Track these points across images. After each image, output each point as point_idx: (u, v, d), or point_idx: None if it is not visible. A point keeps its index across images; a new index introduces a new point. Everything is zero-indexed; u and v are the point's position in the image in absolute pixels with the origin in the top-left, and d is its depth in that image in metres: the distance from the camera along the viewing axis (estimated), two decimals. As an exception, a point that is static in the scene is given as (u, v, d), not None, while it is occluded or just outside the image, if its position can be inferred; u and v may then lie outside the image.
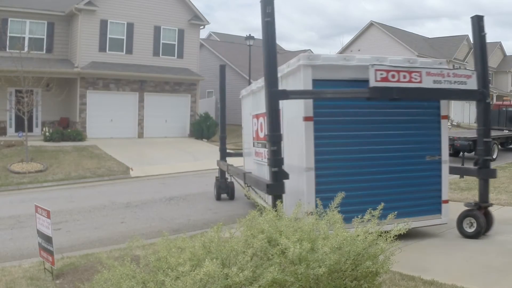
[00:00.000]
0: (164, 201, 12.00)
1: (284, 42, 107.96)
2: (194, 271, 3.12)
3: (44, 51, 22.28)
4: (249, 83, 26.75)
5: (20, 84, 16.84)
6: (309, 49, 33.83)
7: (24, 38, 21.22)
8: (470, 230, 7.02)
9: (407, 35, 45.02)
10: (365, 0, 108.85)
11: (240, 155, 12.31)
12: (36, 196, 12.74)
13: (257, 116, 9.74)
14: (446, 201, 7.32)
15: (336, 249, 3.44)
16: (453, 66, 43.57)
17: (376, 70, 6.27)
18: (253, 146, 10.20)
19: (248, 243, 3.54)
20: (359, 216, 3.94)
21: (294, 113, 7.02)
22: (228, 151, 12.68)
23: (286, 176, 6.06)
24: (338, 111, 6.83)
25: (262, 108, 8.85)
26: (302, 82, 6.65)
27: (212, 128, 24.97)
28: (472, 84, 6.84)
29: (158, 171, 17.10)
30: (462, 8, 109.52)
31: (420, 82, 6.44)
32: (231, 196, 11.91)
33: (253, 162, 10.30)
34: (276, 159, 6.05)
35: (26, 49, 18.68)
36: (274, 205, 5.50)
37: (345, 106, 6.83)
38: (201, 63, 27.98)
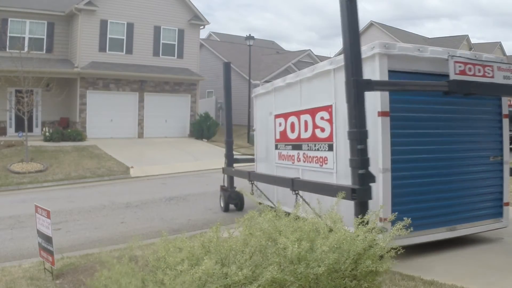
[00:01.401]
0: (164, 201, 12.00)
1: (284, 42, 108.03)
2: (193, 270, 3.12)
3: (44, 51, 22.27)
4: (249, 83, 26.77)
5: (20, 84, 16.84)
6: (309, 49, 33.83)
7: (24, 38, 21.23)
8: None
9: (407, 35, 45.02)
10: (364, 0, 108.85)
11: (250, 160, 11.22)
12: (36, 196, 12.74)
13: (284, 116, 8.87)
14: (507, 204, 6.97)
15: (336, 248, 3.44)
16: None
17: (455, 62, 5.86)
18: (276, 148, 9.30)
19: (246, 242, 3.54)
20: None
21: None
22: (235, 156, 11.37)
23: (373, 179, 5.33)
24: (413, 106, 6.30)
25: (293, 106, 8.43)
26: (378, 73, 5.94)
27: (212, 128, 24.98)
28: None
29: (158, 171, 17.10)
30: (461, 8, 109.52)
31: (492, 77, 6.08)
32: (241, 207, 10.55)
33: (274, 166, 9.35)
34: (363, 160, 5.28)
35: (26, 49, 18.69)
36: (359, 213, 5.04)
37: (419, 101, 6.34)
38: (201, 63, 27.98)
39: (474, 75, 5.93)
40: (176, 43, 25.52)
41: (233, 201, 10.56)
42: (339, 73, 6.74)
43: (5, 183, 14.48)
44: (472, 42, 46.12)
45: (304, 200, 6.68)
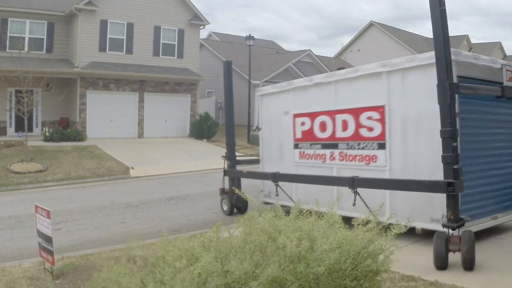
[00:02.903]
0: (164, 201, 12.00)
1: (284, 42, 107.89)
2: (191, 266, 3.12)
3: (44, 51, 22.27)
4: (249, 83, 26.77)
5: (20, 84, 16.84)
6: (309, 49, 33.80)
7: (24, 38, 21.21)
8: None
9: (407, 35, 45.00)
10: (364, 0, 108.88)
11: (253, 162, 11.16)
12: (36, 196, 12.74)
13: (310, 115, 9.14)
14: None
15: (336, 248, 3.44)
16: None
17: (507, 70, 6.70)
18: (296, 148, 9.51)
19: (246, 241, 3.54)
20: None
21: (417, 107, 7.05)
22: (237, 158, 11.14)
23: (462, 173, 5.82)
24: (476, 109, 6.99)
25: (323, 106, 8.81)
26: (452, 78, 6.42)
27: (212, 128, 24.99)
28: None
29: (158, 171, 17.10)
30: (461, 9, 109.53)
31: None
32: (245, 210, 10.10)
33: (292, 166, 9.53)
34: (457, 156, 5.75)
35: (26, 49, 18.68)
36: (451, 205, 5.66)
37: (480, 104, 7.04)
38: (201, 63, 27.99)
39: None
40: (176, 43, 25.52)
41: (240, 204, 10.20)
42: (393, 75, 7.40)
43: (5, 183, 14.48)
44: (472, 42, 46.12)
45: (362, 199, 6.82)
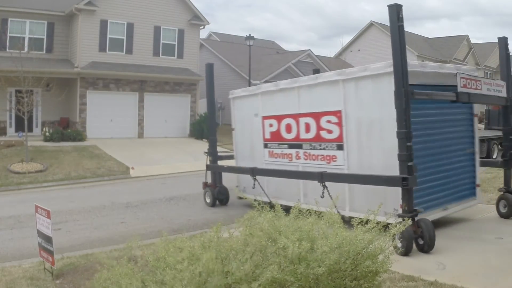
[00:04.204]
0: (164, 201, 12.00)
1: (284, 42, 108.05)
2: (192, 266, 3.12)
3: (44, 51, 22.27)
4: (249, 83, 26.74)
5: (20, 84, 16.84)
6: (309, 49, 33.78)
7: (24, 38, 21.21)
8: (504, 210, 8.35)
9: (407, 35, 44.63)
10: (364, 0, 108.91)
11: (233, 157, 11.70)
12: (36, 196, 12.75)
13: (277, 117, 9.75)
14: (478, 185, 8.66)
15: (336, 248, 3.44)
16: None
17: (461, 77, 7.30)
18: (266, 147, 10.15)
19: (247, 242, 3.54)
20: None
21: (370, 113, 7.76)
22: (218, 154, 12.04)
23: (416, 169, 6.49)
24: (417, 112, 7.39)
25: (289, 109, 9.43)
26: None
27: (212, 128, 24.95)
28: (504, 92, 8.30)
29: (158, 171, 17.10)
30: (461, 9, 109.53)
31: (481, 89, 7.64)
32: (226, 202, 11.34)
33: (263, 164, 10.10)
34: (411, 154, 6.42)
35: (26, 49, 18.68)
36: (406, 198, 6.44)
37: (428, 107, 7.65)
38: (201, 63, 27.92)
39: (467, 86, 7.39)
40: (176, 43, 25.52)
41: (221, 196, 11.24)
42: (348, 83, 8.08)
43: (5, 183, 14.48)
44: (472, 42, 46.11)
45: (328, 192, 7.61)
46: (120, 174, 16.56)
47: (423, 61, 41.35)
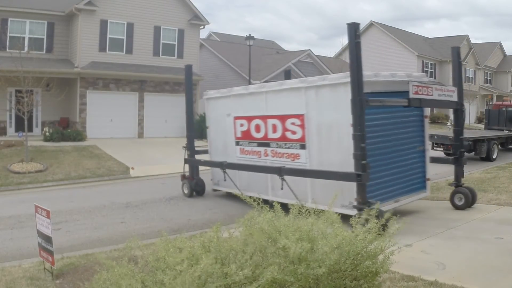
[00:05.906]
0: (164, 201, 12.00)
1: (284, 42, 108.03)
2: (192, 269, 3.11)
3: (44, 51, 22.26)
4: (249, 82, 26.73)
5: (20, 84, 16.82)
6: (309, 49, 33.77)
7: (24, 38, 21.21)
8: (461, 203, 9.21)
9: (407, 35, 44.99)
10: (364, 1, 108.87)
11: (206, 152, 12.59)
12: (36, 196, 12.74)
13: (247, 118, 10.65)
14: (428, 179, 9.58)
15: (335, 248, 3.44)
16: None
17: (413, 85, 7.98)
18: (237, 145, 11.06)
19: (247, 242, 3.54)
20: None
21: (329, 116, 8.62)
22: (196, 148, 12.87)
23: (369, 167, 7.35)
24: (371, 117, 8.13)
25: (257, 111, 10.31)
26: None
27: (212, 128, 24.96)
28: (455, 97, 9.08)
29: (158, 171, 17.09)
30: (461, 9, 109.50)
31: (432, 95, 8.39)
32: (202, 193, 12.35)
33: (235, 160, 11.00)
34: (364, 154, 7.29)
35: (26, 49, 18.67)
36: (360, 193, 7.29)
37: (373, 113, 8.19)
38: (201, 63, 27.97)
39: (419, 93, 8.13)
40: (176, 43, 25.51)
41: (198, 187, 12.29)
42: (310, 90, 8.98)
43: (5, 183, 14.47)
44: (472, 42, 46.12)
45: (288, 185, 8.58)
46: (120, 174, 16.55)
47: (423, 61, 41.40)
